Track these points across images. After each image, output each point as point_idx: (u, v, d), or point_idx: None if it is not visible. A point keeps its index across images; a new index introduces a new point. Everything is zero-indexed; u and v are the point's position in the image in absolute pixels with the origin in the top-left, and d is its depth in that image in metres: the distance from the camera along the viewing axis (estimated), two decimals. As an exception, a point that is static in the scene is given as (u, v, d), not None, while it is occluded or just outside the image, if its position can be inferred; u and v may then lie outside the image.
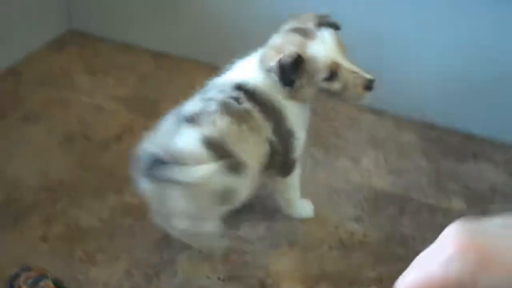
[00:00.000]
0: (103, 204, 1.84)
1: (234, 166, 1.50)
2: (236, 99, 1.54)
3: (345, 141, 2.18)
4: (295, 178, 1.75)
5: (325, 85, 1.50)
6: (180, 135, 1.49)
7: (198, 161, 1.44)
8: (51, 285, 1.46)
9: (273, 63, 1.48)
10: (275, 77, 1.50)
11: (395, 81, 2.25)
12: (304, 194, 1.88)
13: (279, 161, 1.64)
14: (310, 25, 1.51)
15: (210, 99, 1.57)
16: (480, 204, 1.97)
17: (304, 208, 1.85)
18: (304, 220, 1.84)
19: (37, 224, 1.76)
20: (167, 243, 1.73)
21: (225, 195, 1.53)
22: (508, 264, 0.55)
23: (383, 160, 2.12)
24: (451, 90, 2.25)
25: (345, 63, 1.49)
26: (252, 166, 1.55)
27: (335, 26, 1.54)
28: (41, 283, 1.45)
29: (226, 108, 1.52)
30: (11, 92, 2.26)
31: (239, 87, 1.56)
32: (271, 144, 1.58)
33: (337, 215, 1.88)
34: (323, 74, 1.48)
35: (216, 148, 1.47)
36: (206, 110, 1.54)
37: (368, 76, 1.50)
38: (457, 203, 1.96)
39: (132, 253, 1.71)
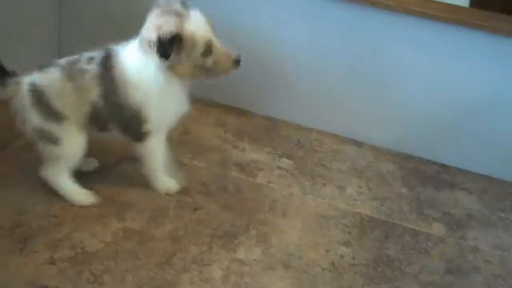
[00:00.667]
0: (106, 228, 1.93)
1: (52, 114, 1.84)
2: (85, 61, 1.84)
3: (329, 171, 2.31)
4: (153, 147, 1.96)
5: (200, 60, 1.74)
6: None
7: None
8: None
9: (153, 38, 1.68)
10: (153, 51, 1.70)
11: (375, 115, 2.41)
12: (296, 220, 2.00)
13: (117, 126, 1.90)
14: (177, 6, 1.73)
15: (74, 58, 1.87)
16: (459, 229, 2.11)
17: (166, 182, 2.07)
18: (298, 244, 1.95)
19: (44, 248, 1.83)
20: (169, 264, 1.83)
21: (47, 136, 1.87)
22: None
23: (366, 188, 2.26)
24: (427, 125, 2.42)
25: (216, 41, 1.75)
26: (70, 118, 1.85)
27: (187, 6, 1.75)
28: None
29: (69, 66, 1.85)
30: (10, 122, 2.33)
31: (102, 54, 1.85)
32: (94, 106, 1.83)
33: (327, 239, 1.99)
34: (200, 50, 1.72)
35: (38, 95, 1.83)
36: (57, 62, 1.87)
37: (236, 54, 1.78)
38: (437, 228, 2.10)
39: (137, 274, 1.79)
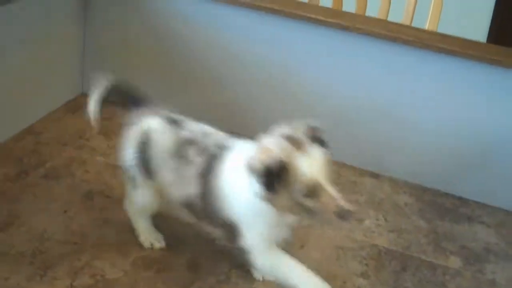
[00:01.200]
0: (126, 257, 1.95)
1: (146, 167, 1.81)
2: (197, 149, 1.73)
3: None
4: (266, 265, 1.73)
5: (301, 200, 1.50)
6: None
7: None
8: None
9: (258, 164, 1.49)
10: (254, 178, 1.51)
11: (391, 147, 2.43)
12: (314, 251, 2.02)
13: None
14: (302, 135, 1.53)
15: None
16: (476, 263, 2.11)
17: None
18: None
19: (64, 275, 1.86)
20: (187, 294, 1.85)
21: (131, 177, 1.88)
22: None
23: (383, 220, 2.27)
24: (445, 158, 2.43)
25: (327, 185, 1.49)
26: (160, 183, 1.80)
27: (323, 143, 1.55)
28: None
29: (182, 139, 1.77)
30: (32, 150, 2.38)
31: (212, 150, 1.72)
32: (189, 197, 1.75)
33: (344, 270, 2.00)
34: (302, 190, 1.48)
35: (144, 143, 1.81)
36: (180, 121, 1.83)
37: (346, 206, 1.49)
38: (455, 261, 2.10)
39: (155, 303, 1.81)
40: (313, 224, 1.67)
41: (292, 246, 2.06)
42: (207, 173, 1.68)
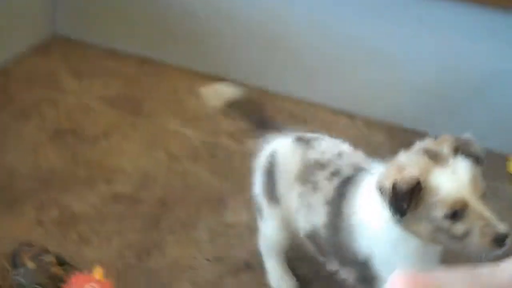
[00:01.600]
0: (94, 192, 1.94)
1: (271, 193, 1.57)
2: (329, 173, 1.46)
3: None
4: None
5: (445, 224, 1.21)
6: None
7: None
8: (55, 260, 1.54)
9: (387, 183, 1.23)
10: (384, 200, 1.25)
11: (367, 87, 2.41)
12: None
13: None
14: (445, 148, 1.25)
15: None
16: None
17: None
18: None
19: (32, 209, 1.85)
20: (156, 227, 1.84)
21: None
22: None
23: (357, 158, 2.25)
24: (421, 97, 2.40)
25: (476, 204, 1.19)
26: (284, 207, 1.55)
27: (476, 158, 1.26)
28: (45, 258, 1.53)
29: (310, 161, 1.50)
30: (1, 91, 2.35)
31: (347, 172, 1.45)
32: (314, 227, 1.47)
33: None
34: (443, 211, 1.20)
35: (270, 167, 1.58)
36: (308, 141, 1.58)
37: (501, 229, 1.18)
38: None
39: (123, 236, 1.81)
40: (463, 254, 1.25)
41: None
42: (338, 199, 1.41)
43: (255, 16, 2.46)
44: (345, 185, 1.41)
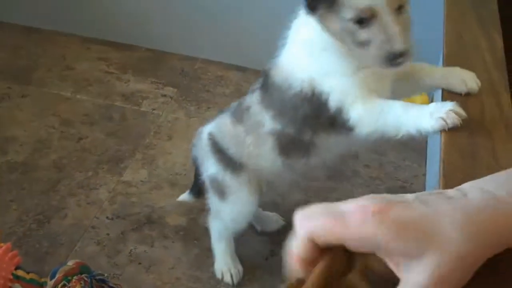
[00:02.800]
0: (-12, 163, 1.92)
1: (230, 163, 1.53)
2: (248, 96, 1.44)
3: (214, 96, 2.35)
4: (365, 112, 1.23)
5: (351, 27, 1.13)
6: None
7: None
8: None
9: None
10: None
11: (256, 40, 2.45)
12: (181, 141, 2.05)
13: None
14: None
15: None
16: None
17: None
18: (184, 163, 2.00)
19: None
20: (54, 191, 1.84)
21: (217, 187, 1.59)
22: (416, 232, 0.62)
23: (250, 110, 2.31)
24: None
25: (386, 16, 1.09)
26: (248, 167, 1.51)
27: None
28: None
29: (237, 107, 1.50)
30: None
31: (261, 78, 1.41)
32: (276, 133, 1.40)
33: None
34: (351, 14, 1.11)
35: (214, 144, 1.55)
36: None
37: (397, 48, 1.09)
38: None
39: (21, 203, 1.80)
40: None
41: (159, 139, 2.09)
42: (265, 89, 1.35)
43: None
44: (265, 79, 1.35)
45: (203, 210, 1.83)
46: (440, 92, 1.15)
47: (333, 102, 1.20)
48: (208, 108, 2.28)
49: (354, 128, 1.20)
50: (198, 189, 1.69)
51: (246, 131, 1.44)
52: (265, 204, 1.76)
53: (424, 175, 2.03)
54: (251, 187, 1.54)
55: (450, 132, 1.06)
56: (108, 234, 1.74)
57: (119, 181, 1.91)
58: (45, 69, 2.39)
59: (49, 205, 1.80)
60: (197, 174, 1.65)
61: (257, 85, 1.40)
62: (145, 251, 1.70)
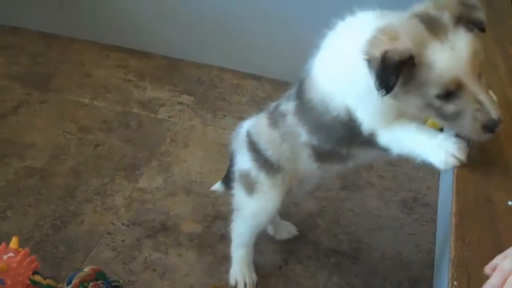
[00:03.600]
0: (7, 168, 1.95)
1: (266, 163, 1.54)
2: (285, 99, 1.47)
3: (230, 104, 2.37)
4: (389, 138, 1.28)
5: (436, 103, 1.08)
6: None
7: None
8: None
9: (376, 52, 1.07)
10: (371, 71, 1.09)
11: (272, 49, 2.47)
12: (197, 149, 2.07)
13: None
14: (445, 15, 1.08)
15: None
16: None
17: None
18: (199, 171, 2.02)
19: None
20: (71, 197, 1.87)
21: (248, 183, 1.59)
22: None
23: (266, 118, 2.33)
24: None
25: (471, 86, 1.05)
26: (286, 168, 1.53)
27: (479, 25, 1.10)
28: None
29: (273, 110, 1.52)
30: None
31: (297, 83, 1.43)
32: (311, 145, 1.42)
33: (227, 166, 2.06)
34: (436, 90, 1.06)
35: (251, 143, 1.55)
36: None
37: (494, 115, 1.05)
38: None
39: (39, 208, 1.83)
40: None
41: (175, 146, 2.11)
42: (301, 102, 1.37)
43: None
44: (300, 87, 1.36)
45: (218, 217, 1.86)
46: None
47: (366, 127, 1.23)
48: (224, 116, 2.30)
49: (385, 150, 1.25)
50: (230, 181, 1.68)
51: (282, 137, 1.45)
52: (279, 213, 1.78)
53: (438, 186, 2.03)
54: (283, 188, 1.54)
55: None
56: (123, 241, 1.76)
57: (135, 188, 1.93)
58: (64, 75, 2.43)
59: (66, 210, 1.83)
60: (231, 167, 1.66)
61: (293, 91, 1.41)
62: (159, 258, 1.72)
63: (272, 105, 1.51)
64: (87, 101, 2.29)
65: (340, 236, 1.84)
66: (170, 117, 2.25)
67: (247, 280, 1.71)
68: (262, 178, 1.53)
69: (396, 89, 1.06)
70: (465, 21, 1.07)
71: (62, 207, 1.84)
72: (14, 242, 1.46)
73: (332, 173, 1.58)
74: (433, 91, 1.06)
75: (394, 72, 1.04)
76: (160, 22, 2.54)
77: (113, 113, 2.24)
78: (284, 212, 1.86)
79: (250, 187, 1.56)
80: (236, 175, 1.61)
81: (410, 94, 1.09)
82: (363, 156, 1.40)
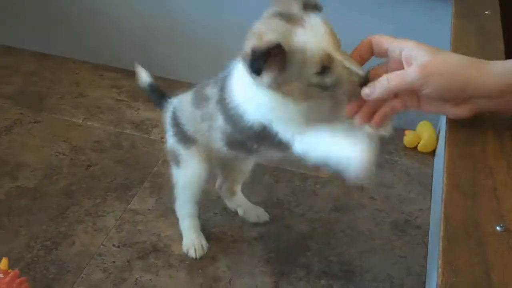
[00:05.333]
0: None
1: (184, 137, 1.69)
2: (211, 84, 1.55)
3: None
4: (305, 145, 1.39)
5: (316, 79, 1.22)
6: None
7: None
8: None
9: (248, 49, 1.22)
10: (245, 65, 1.24)
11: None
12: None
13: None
14: (294, 8, 1.24)
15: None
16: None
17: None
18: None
19: None
20: (63, 217, 1.87)
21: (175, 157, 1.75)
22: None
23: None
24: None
25: (338, 56, 1.21)
26: (200, 143, 1.67)
27: (317, 7, 1.27)
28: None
29: (198, 90, 1.63)
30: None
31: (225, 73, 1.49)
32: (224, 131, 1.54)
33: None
34: (313, 69, 1.20)
35: (174, 118, 1.72)
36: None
37: (361, 73, 1.22)
38: (326, 173, 2.19)
39: (30, 228, 1.83)
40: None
41: (167, 167, 2.11)
42: (221, 94, 1.48)
43: (150, 10, 2.49)
44: (224, 81, 1.46)
45: (209, 239, 1.86)
46: (444, 119, 1.20)
47: (282, 136, 1.37)
48: (217, 137, 2.30)
49: (300, 156, 1.36)
50: None
51: (202, 117, 1.59)
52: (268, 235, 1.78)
53: (429, 208, 2.04)
54: (200, 157, 1.69)
55: (452, 171, 1.09)
56: (114, 262, 1.76)
57: (126, 209, 1.93)
58: (58, 95, 2.44)
59: (57, 231, 1.83)
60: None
61: (219, 78, 1.50)
62: (150, 279, 1.72)
63: (199, 85, 1.64)
64: (80, 121, 2.30)
65: (331, 257, 1.84)
66: (162, 138, 2.26)
67: (196, 247, 1.82)
68: (181, 150, 1.70)
69: (278, 80, 1.21)
70: (309, 7, 1.23)
71: (54, 227, 1.84)
72: (3, 263, 1.46)
73: (241, 158, 1.75)
74: (311, 69, 1.19)
75: (263, 57, 1.17)
76: (154, 43, 2.55)
77: (106, 133, 2.25)
78: (275, 233, 1.87)
79: (176, 160, 1.73)
80: (167, 151, 1.78)
81: (292, 80, 1.22)
82: (270, 154, 1.54)
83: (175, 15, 2.47)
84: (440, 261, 0.95)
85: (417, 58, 1.12)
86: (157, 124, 2.32)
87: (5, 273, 1.42)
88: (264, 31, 1.22)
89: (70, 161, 2.10)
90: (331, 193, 2.09)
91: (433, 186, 2.13)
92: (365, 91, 1.17)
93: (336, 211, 2.02)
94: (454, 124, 1.16)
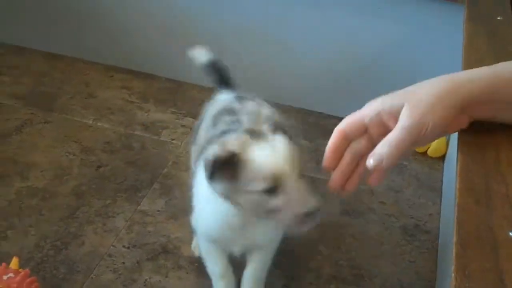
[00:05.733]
0: (9, 187, 1.95)
1: None
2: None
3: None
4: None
5: (262, 197, 1.21)
6: None
7: None
8: None
9: (210, 156, 1.23)
10: (204, 171, 1.26)
11: (276, 74, 2.49)
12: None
13: None
14: (265, 127, 1.28)
15: None
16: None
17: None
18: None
19: None
20: (73, 218, 1.87)
21: None
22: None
23: (268, 142, 2.33)
24: (326, 82, 2.51)
25: (291, 180, 1.21)
26: None
27: (286, 133, 1.29)
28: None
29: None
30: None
31: None
32: None
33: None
34: (260, 185, 1.20)
35: None
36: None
37: (311, 206, 1.22)
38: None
39: (40, 228, 1.83)
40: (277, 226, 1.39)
41: (177, 169, 2.11)
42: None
43: (162, 11, 2.50)
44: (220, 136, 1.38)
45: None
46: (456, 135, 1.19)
47: None
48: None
49: None
50: None
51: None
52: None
53: (439, 213, 2.03)
54: None
55: (465, 176, 1.08)
56: (123, 263, 1.76)
57: (136, 210, 1.93)
58: (68, 96, 2.45)
59: (67, 231, 1.83)
60: None
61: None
62: (159, 281, 1.72)
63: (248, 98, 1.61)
64: (90, 122, 2.31)
65: (341, 262, 1.84)
66: (173, 139, 2.26)
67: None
68: None
69: (229, 189, 1.25)
70: (280, 130, 1.26)
71: (63, 228, 1.84)
72: (14, 263, 1.46)
73: None
74: (258, 186, 1.19)
75: (218, 165, 1.20)
76: (165, 45, 2.56)
77: (116, 135, 2.25)
78: (285, 237, 1.87)
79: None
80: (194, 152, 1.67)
81: (241, 192, 1.23)
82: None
83: (188, 15, 2.47)
84: (453, 267, 0.95)
85: (398, 107, 1.01)
86: (168, 126, 2.33)
87: (16, 272, 1.42)
88: (229, 142, 1.24)
89: (80, 161, 2.10)
90: (341, 198, 2.08)
91: (443, 191, 2.13)
92: (370, 162, 1.03)
93: (346, 215, 2.02)
94: (466, 130, 1.16)
